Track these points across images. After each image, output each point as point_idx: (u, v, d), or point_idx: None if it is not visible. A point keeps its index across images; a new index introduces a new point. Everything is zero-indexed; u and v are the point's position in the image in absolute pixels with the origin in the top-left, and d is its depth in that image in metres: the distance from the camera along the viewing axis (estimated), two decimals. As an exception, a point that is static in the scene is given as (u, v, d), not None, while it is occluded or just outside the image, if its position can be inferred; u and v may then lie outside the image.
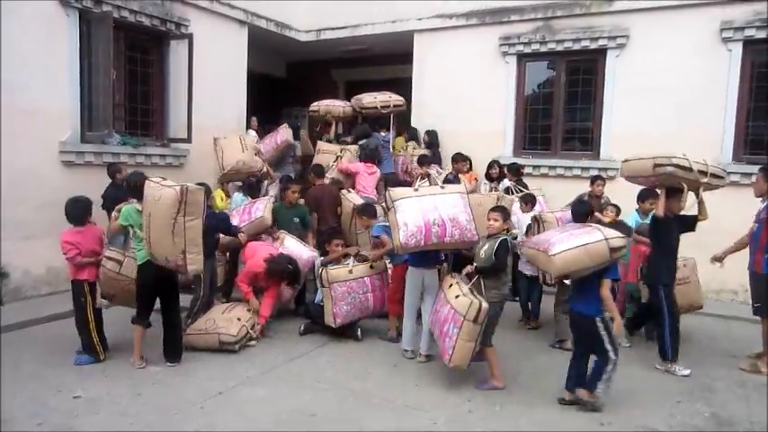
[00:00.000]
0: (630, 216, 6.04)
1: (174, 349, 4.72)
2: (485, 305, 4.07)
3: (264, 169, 7.75)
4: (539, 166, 8.20)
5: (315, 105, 8.72)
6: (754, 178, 4.98)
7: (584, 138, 8.20)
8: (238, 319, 5.12)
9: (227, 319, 5.11)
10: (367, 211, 5.95)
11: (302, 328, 5.63)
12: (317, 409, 3.96)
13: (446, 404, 4.10)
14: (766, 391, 4.43)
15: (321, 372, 4.63)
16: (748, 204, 7.05)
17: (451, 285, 4.41)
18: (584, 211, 4.70)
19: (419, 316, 5.05)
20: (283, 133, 8.30)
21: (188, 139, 7.79)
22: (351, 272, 5.42)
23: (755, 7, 6.92)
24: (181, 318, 4.95)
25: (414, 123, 9.17)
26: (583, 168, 7.91)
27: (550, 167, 8.10)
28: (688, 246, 7.34)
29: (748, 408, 4.16)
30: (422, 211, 4.51)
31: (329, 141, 8.54)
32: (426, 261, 4.87)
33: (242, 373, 4.56)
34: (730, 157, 7.16)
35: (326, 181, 7.21)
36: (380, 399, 4.16)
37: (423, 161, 7.47)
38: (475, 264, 4.38)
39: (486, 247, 4.35)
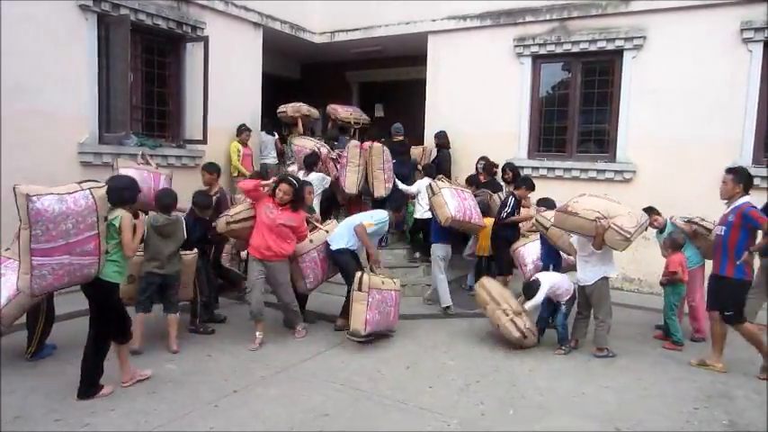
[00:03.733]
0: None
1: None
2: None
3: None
4: (553, 169, 8.15)
5: (282, 108, 9.14)
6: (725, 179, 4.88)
7: (600, 140, 8.12)
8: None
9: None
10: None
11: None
12: (330, 409, 3.97)
13: (458, 407, 4.08)
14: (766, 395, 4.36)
15: (334, 372, 4.64)
16: (768, 207, 6.95)
17: None
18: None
19: None
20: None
21: (203, 141, 7.87)
22: (383, 282, 5.46)
23: (776, 7, 6.82)
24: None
25: (427, 124, 9.20)
26: (599, 171, 7.84)
27: (565, 170, 8.04)
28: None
29: (766, 415, 4.08)
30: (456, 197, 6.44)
31: (300, 135, 8.81)
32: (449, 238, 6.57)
33: (256, 372, 4.59)
34: (750, 159, 7.05)
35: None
36: (393, 400, 4.15)
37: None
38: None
39: None
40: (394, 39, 9.60)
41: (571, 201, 5.30)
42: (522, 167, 8.07)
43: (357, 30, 9.77)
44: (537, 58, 8.36)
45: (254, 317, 5.28)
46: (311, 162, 7.49)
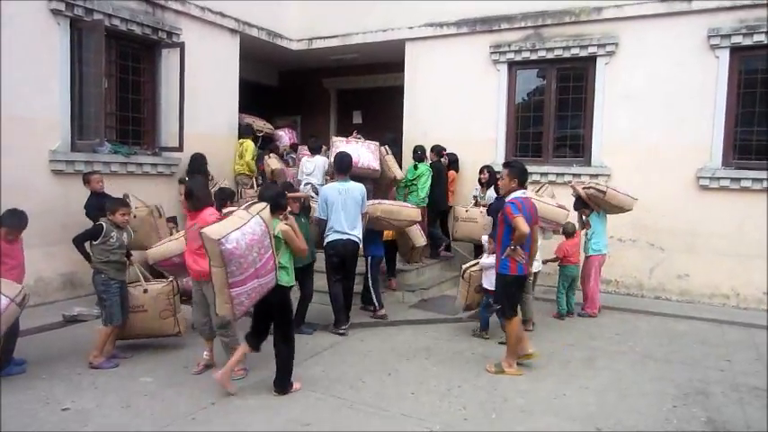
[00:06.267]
0: None
1: (280, 379, 4.40)
2: None
3: None
4: (530, 173, 8.17)
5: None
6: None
7: (575, 145, 8.24)
8: None
9: None
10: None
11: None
12: (311, 418, 3.91)
13: (441, 412, 4.06)
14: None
15: (315, 381, 4.58)
16: (738, 209, 7.18)
17: None
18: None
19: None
20: None
21: (179, 148, 7.75)
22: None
23: (740, 15, 7.01)
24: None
25: (405, 131, 9.21)
26: (574, 175, 7.94)
27: (542, 174, 8.12)
28: (680, 251, 7.49)
29: (743, 411, 4.16)
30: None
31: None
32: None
33: (235, 383, 4.49)
34: (720, 162, 7.23)
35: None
36: (375, 407, 4.11)
37: None
38: None
39: None
40: (372, 46, 9.62)
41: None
42: (500, 172, 8.09)
43: (335, 37, 9.77)
44: (513, 65, 8.46)
45: (200, 334, 4.88)
46: (317, 147, 7.89)
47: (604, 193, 6.48)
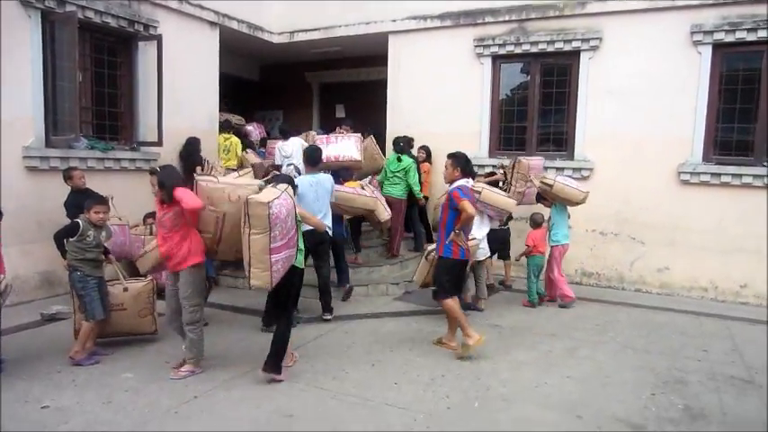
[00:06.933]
0: None
1: (273, 358, 4.43)
2: None
3: None
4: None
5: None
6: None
7: (559, 139, 8.29)
8: None
9: None
10: None
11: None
12: (295, 410, 3.90)
13: (424, 401, 4.08)
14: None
15: (299, 373, 4.56)
16: (718, 204, 7.29)
17: None
18: None
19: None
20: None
21: (159, 143, 7.62)
22: None
23: (723, 12, 7.09)
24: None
25: (389, 125, 9.19)
26: (557, 169, 8.00)
27: (525, 168, 8.16)
28: (661, 245, 7.59)
29: (720, 399, 4.24)
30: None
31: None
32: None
33: (218, 376, 4.46)
34: (700, 157, 7.32)
35: None
36: (359, 398, 4.11)
37: None
38: None
39: None
40: (354, 39, 9.57)
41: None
42: (484, 166, 8.16)
43: (316, 30, 9.69)
44: (497, 59, 8.48)
45: (174, 329, 4.74)
46: (290, 130, 7.97)
47: (551, 186, 6.61)
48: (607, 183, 7.72)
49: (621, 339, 5.63)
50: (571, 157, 8.06)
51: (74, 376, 4.46)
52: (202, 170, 6.84)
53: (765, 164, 7.03)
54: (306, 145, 7.40)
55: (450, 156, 5.25)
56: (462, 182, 5.06)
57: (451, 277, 5.00)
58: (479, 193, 6.04)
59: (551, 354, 5.16)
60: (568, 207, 6.87)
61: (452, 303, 4.95)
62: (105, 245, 4.96)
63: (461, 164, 5.12)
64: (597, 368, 4.82)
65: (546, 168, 8.01)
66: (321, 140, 7.39)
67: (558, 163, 8.05)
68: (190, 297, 4.46)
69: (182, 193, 4.25)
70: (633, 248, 7.72)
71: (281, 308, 4.60)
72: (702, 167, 7.26)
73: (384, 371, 4.68)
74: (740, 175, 7.06)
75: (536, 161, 7.18)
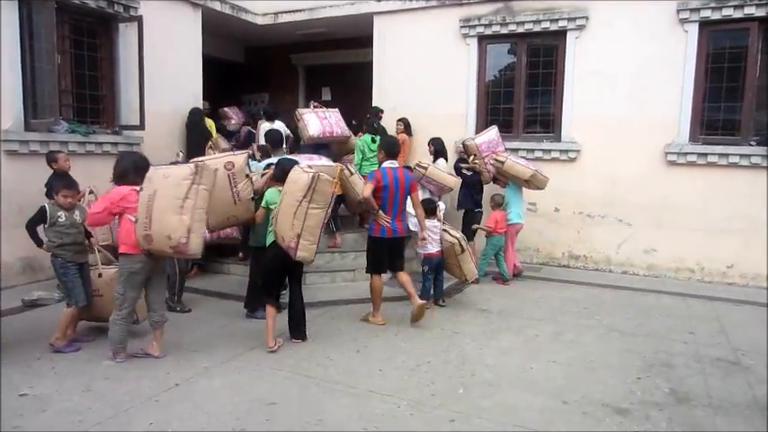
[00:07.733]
0: None
1: (300, 326, 4.95)
2: None
3: None
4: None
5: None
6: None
7: (546, 120, 8.23)
8: None
9: None
10: None
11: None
12: (277, 397, 3.85)
13: (409, 387, 4.05)
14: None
15: (281, 360, 4.52)
16: (705, 184, 7.28)
17: None
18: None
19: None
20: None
21: (141, 126, 7.50)
22: None
23: (709, -12, 7.02)
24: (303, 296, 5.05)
25: (375, 106, 9.05)
26: (544, 151, 7.95)
27: (512, 150, 8.07)
28: (648, 226, 7.59)
29: (705, 382, 4.24)
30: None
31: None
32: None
33: (199, 364, 4.40)
34: (687, 137, 7.30)
35: None
36: (343, 385, 4.08)
37: None
38: None
39: None
40: (339, 20, 9.41)
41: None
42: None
43: (301, 11, 9.52)
44: (483, 39, 8.36)
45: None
46: (274, 112, 8.19)
47: (502, 163, 6.92)
48: (594, 163, 7.69)
49: (608, 322, 5.63)
50: (558, 138, 8.00)
51: (53, 364, 4.38)
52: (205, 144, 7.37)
53: (752, 143, 7.01)
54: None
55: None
56: (387, 164, 5.38)
57: (373, 255, 5.38)
58: (425, 168, 6.81)
59: (538, 338, 5.15)
60: (529, 190, 7.15)
61: (373, 280, 5.35)
62: (89, 229, 4.86)
63: (385, 147, 5.55)
64: (583, 352, 4.81)
65: (533, 151, 7.97)
66: (307, 111, 7.61)
67: (546, 145, 7.99)
68: (116, 284, 4.51)
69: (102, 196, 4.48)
70: (620, 231, 7.71)
71: (297, 283, 4.92)
72: (689, 147, 7.24)
73: (369, 357, 4.64)
74: (727, 155, 7.05)
75: (482, 138, 7.28)
